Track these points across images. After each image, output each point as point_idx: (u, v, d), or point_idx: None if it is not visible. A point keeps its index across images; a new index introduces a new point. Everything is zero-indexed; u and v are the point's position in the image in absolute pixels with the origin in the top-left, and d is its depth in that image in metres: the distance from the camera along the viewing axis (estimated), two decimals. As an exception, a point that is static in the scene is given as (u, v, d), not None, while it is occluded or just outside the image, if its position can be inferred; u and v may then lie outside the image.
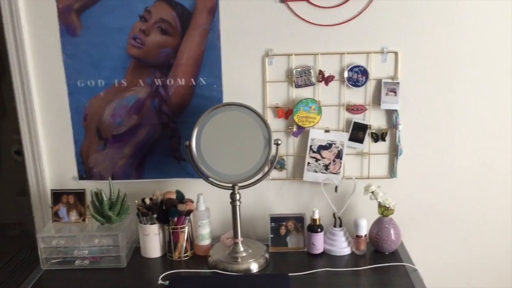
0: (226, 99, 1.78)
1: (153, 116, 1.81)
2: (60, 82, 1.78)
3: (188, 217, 1.75)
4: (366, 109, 1.78)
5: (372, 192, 1.76)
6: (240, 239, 1.71)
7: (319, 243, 1.74)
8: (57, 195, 1.78)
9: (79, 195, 1.77)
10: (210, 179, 1.68)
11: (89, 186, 1.82)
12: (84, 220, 1.78)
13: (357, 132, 1.79)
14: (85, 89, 1.78)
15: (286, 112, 1.79)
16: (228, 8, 1.70)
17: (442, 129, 1.80)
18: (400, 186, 1.85)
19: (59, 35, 1.73)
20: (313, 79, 1.76)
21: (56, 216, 1.78)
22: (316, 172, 1.82)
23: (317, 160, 1.81)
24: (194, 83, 1.77)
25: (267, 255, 1.72)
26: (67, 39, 1.73)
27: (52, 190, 1.79)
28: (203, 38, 1.73)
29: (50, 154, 1.86)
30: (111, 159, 1.85)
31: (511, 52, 1.73)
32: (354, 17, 1.70)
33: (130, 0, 1.69)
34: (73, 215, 1.78)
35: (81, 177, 1.87)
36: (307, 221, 1.77)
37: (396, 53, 1.73)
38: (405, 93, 1.76)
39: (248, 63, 1.76)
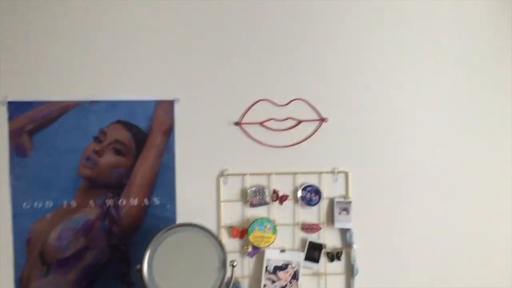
0: (180, 219, 1.74)
1: (102, 238, 1.73)
2: (4, 205, 1.70)
3: None
4: (321, 228, 1.79)
5: (331, 315, 1.70)
6: None
7: None
8: (-11, 330, 1.61)
9: (15, 328, 1.61)
10: (162, 306, 1.58)
11: (27, 317, 1.66)
12: None
13: (313, 252, 1.78)
14: (30, 211, 1.70)
15: (241, 232, 1.77)
16: (183, 130, 1.74)
17: (396, 247, 1.82)
18: (358, 307, 1.80)
19: (8, 157, 1.69)
20: (268, 199, 1.77)
21: None
22: (272, 294, 1.76)
23: (273, 281, 1.76)
24: (147, 203, 1.74)
25: None
26: (16, 160, 1.69)
27: (-17, 323, 1.62)
28: (158, 158, 1.74)
29: (-15, 282, 1.72)
30: (54, 286, 1.72)
31: (458, 166, 1.84)
32: (305, 139, 1.78)
33: (86, 122, 1.71)
34: None
35: (18, 307, 1.71)
36: None
37: (346, 173, 1.79)
38: (358, 212, 1.79)
39: (203, 183, 1.77)
